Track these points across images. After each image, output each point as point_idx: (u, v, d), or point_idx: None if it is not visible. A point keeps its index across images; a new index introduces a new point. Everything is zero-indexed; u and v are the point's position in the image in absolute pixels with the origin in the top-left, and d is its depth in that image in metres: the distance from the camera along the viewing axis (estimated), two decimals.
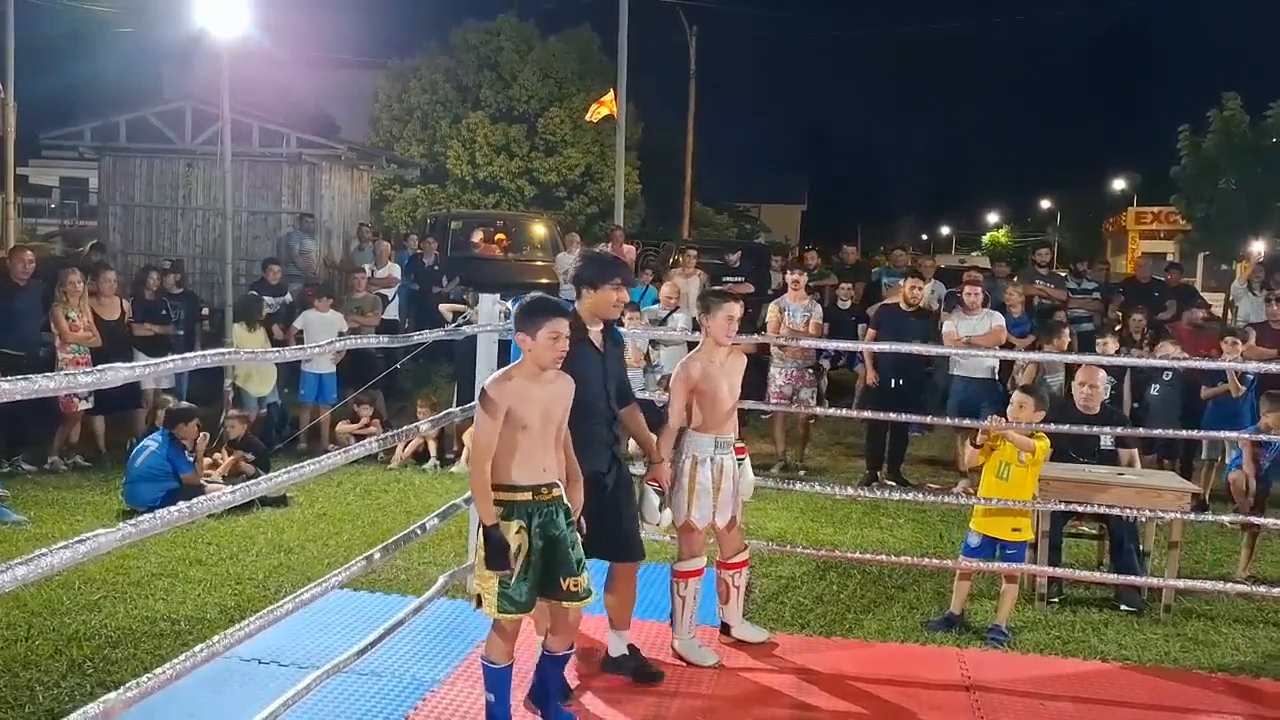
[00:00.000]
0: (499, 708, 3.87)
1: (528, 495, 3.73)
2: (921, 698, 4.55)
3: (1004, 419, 5.50)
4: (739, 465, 4.95)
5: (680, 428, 4.81)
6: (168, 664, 2.64)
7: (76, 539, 2.22)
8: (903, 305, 9.08)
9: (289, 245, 13.38)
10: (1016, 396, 5.56)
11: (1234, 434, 6.79)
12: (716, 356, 4.84)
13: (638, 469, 4.82)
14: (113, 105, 15.98)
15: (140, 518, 2.50)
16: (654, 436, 4.69)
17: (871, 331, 9.20)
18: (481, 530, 3.71)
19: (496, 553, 3.65)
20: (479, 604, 3.82)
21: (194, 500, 2.67)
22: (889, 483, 8.79)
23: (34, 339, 8.60)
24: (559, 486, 3.84)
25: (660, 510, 4.64)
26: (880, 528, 7.48)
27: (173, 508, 2.55)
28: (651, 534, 4.77)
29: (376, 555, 3.92)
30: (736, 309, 4.91)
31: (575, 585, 3.81)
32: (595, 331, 4.40)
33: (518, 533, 3.70)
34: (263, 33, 13.75)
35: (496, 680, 3.87)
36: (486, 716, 3.91)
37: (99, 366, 2.36)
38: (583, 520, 3.99)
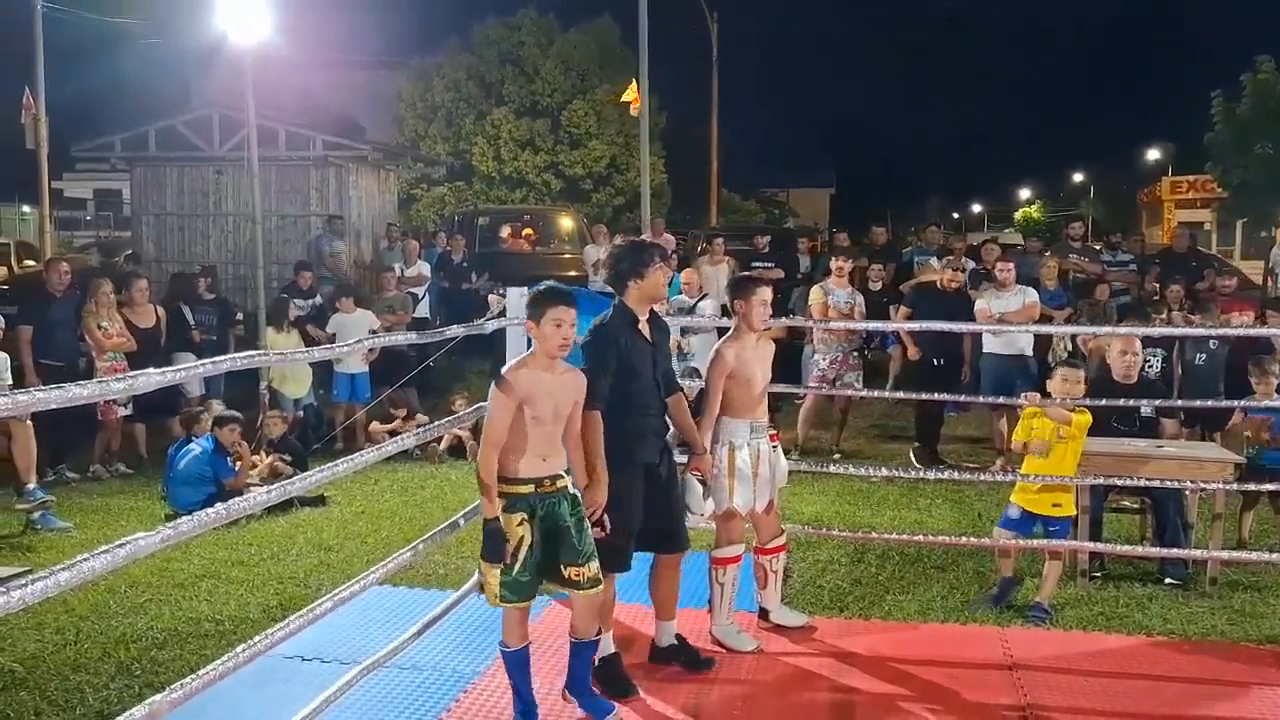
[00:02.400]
0: (522, 687, 3.95)
1: (530, 488, 3.78)
2: (963, 678, 4.52)
3: (1039, 396, 5.44)
4: (773, 451, 4.94)
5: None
6: (210, 665, 2.67)
7: (116, 544, 2.26)
8: (940, 285, 9.02)
9: (319, 248, 13.49)
10: (1060, 372, 5.50)
11: (1268, 403, 6.65)
12: (749, 341, 4.83)
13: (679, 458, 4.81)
14: (141, 115, 16.18)
15: (178, 520, 2.53)
16: (696, 427, 4.67)
17: (906, 310, 9.11)
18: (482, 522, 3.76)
19: (494, 545, 3.71)
20: (482, 591, 3.89)
21: (230, 502, 2.70)
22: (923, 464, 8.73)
23: (72, 349, 8.73)
24: (563, 477, 3.87)
25: (705, 500, 4.65)
26: (918, 509, 7.43)
27: (209, 510, 2.58)
28: (694, 522, 4.77)
29: (408, 555, 3.94)
30: (769, 293, 4.91)
31: (578, 574, 3.84)
32: (644, 321, 4.40)
33: (520, 525, 3.74)
34: (286, 37, 13.85)
35: (514, 662, 3.95)
36: (514, 699, 3.99)
37: (133, 373, 2.39)
38: (606, 519, 4.02)
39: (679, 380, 4.72)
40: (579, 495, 3.93)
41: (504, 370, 3.83)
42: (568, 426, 3.90)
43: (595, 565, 3.89)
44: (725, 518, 4.82)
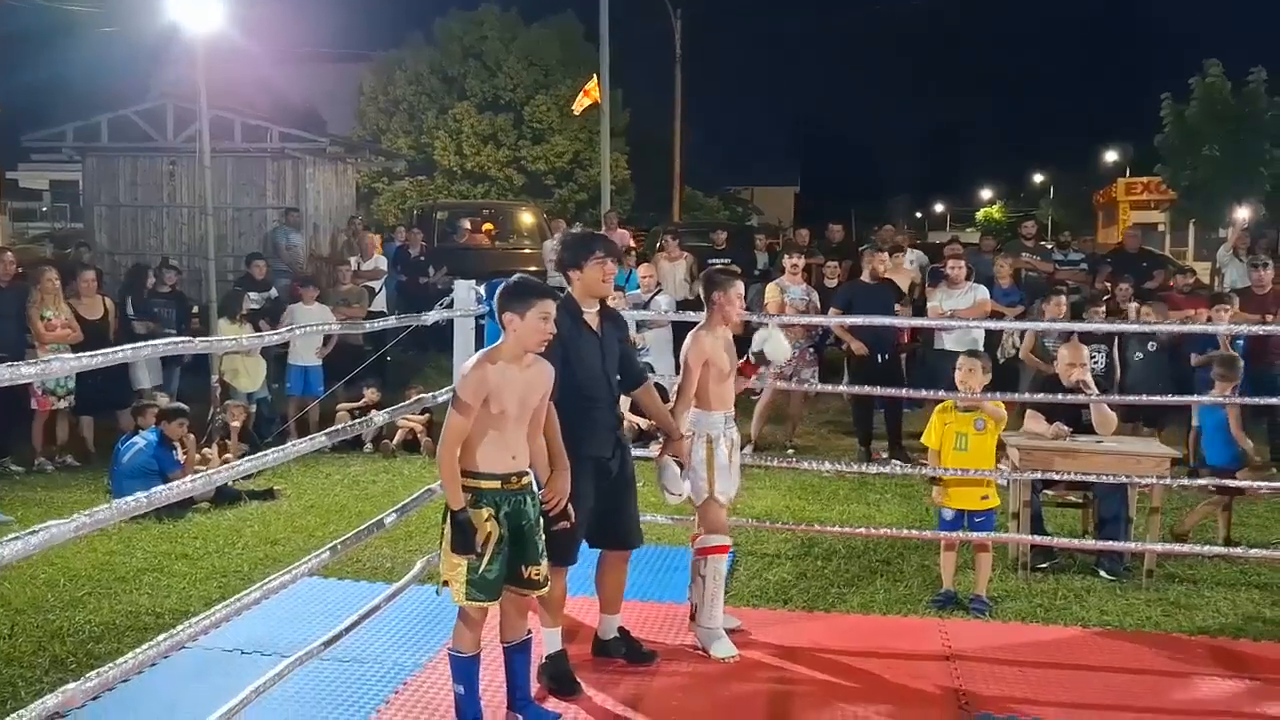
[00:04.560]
0: (468, 699, 3.80)
1: (496, 484, 3.69)
2: (902, 669, 4.57)
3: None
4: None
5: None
6: (129, 654, 2.65)
7: (27, 530, 2.23)
8: (865, 279, 9.10)
9: (275, 240, 13.36)
10: (963, 361, 5.54)
11: (1205, 399, 6.77)
12: (721, 333, 4.85)
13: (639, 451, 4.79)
14: (94, 105, 15.92)
15: (96, 509, 2.50)
16: (669, 413, 4.66)
17: (837, 310, 9.10)
18: (449, 514, 3.65)
19: (463, 537, 3.60)
20: (445, 588, 3.73)
21: (150, 490, 2.68)
22: (882, 456, 8.79)
23: (18, 341, 8.58)
24: (528, 475, 3.80)
25: (683, 480, 4.62)
26: (867, 503, 7.49)
27: (128, 499, 2.55)
28: (671, 500, 4.74)
29: (326, 554, 3.90)
30: (743, 287, 4.98)
31: (535, 574, 3.78)
32: (591, 314, 4.36)
33: (487, 520, 3.65)
34: (248, 30, 13.71)
35: (465, 671, 3.80)
36: (457, 710, 3.83)
37: (43, 359, 2.36)
38: (570, 508, 3.97)
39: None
40: (544, 493, 3.87)
41: (468, 365, 3.71)
42: (533, 419, 3.81)
43: (546, 564, 3.84)
44: (708, 506, 4.78)
